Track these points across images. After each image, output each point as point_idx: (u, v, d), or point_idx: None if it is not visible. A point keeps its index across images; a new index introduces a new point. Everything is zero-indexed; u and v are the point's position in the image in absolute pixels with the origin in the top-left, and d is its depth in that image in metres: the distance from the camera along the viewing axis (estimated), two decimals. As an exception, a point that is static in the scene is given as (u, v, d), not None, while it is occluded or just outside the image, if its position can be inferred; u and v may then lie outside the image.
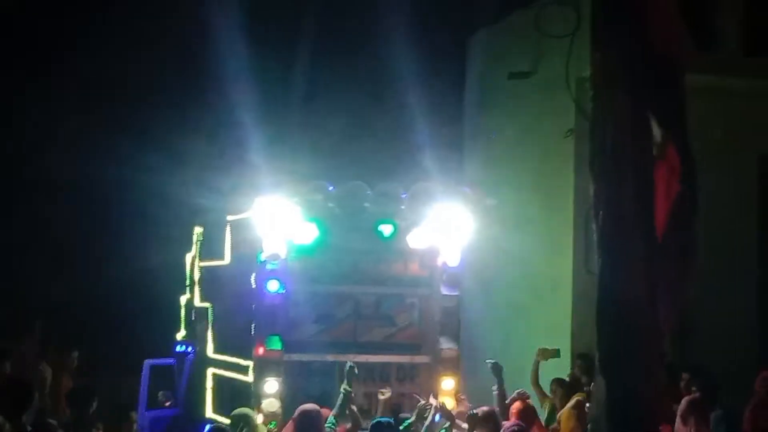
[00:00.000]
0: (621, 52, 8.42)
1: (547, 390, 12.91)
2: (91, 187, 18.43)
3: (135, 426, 13.14)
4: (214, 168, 15.19)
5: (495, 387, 11.44)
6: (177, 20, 18.25)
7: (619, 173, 8.41)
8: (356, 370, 11.26)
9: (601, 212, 8.51)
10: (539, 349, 12.85)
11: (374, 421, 9.97)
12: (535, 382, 12.80)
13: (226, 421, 10.76)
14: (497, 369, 11.51)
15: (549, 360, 12.88)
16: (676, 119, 8.53)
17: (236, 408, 10.74)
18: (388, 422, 9.94)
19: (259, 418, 11.38)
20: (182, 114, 18.28)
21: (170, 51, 18.38)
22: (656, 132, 8.33)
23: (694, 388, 11.64)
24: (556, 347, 12.93)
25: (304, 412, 10.00)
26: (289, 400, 11.68)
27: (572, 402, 11.93)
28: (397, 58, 17.29)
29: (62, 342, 15.54)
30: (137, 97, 18.32)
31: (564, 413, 11.93)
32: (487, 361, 11.62)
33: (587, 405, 11.52)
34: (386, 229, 12.38)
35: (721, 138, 14.88)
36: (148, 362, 14.68)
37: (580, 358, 13.42)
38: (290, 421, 10.24)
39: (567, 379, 13.18)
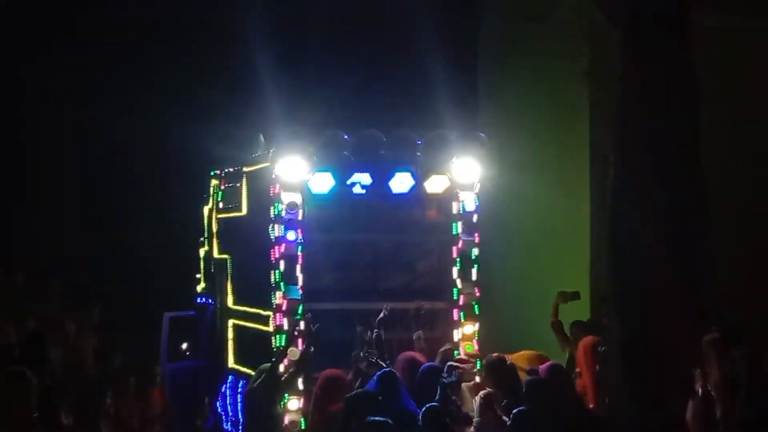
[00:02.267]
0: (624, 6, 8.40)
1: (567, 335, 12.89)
2: (109, 139, 18.40)
3: (158, 378, 13.36)
4: (230, 119, 15.13)
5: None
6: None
7: (633, 122, 8.42)
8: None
9: (614, 156, 8.55)
10: (559, 293, 12.84)
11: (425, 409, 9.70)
12: (556, 326, 12.78)
13: (248, 371, 10.88)
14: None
15: (569, 303, 12.85)
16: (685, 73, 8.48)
17: (257, 358, 10.98)
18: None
19: (282, 367, 11.44)
20: (199, 66, 18.22)
21: (191, 4, 18.31)
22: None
23: (713, 329, 11.59)
24: (576, 290, 12.89)
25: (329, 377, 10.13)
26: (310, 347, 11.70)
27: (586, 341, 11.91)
28: (411, 7, 17.22)
29: (83, 298, 15.59)
30: (158, 50, 18.24)
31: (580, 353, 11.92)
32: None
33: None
34: (404, 180, 12.37)
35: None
36: (167, 315, 14.71)
37: (602, 301, 13.41)
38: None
39: (587, 321, 13.18)
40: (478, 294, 12.63)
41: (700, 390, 9.84)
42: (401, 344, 12.07)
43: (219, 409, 13.53)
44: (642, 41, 8.33)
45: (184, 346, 14.75)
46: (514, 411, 9.30)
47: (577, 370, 12.08)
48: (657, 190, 8.79)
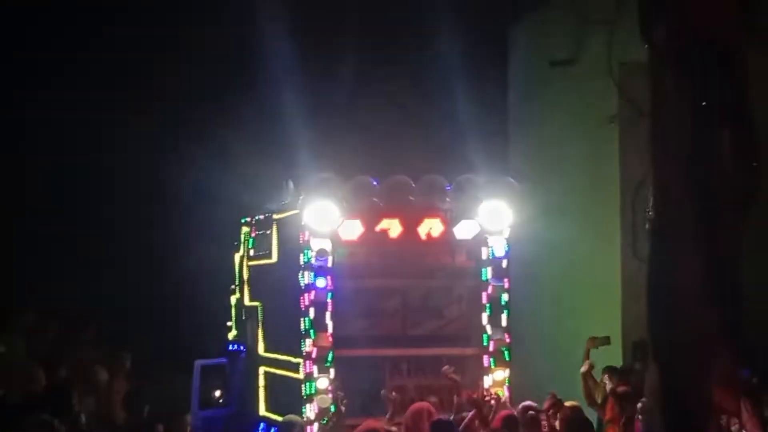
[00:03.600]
0: (666, 37, 8.31)
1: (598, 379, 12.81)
2: (139, 184, 18.52)
3: (189, 428, 13.34)
4: (260, 166, 15.19)
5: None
6: (224, 16, 18.31)
7: (674, 160, 8.31)
8: None
9: (653, 197, 8.43)
10: (590, 338, 12.77)
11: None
12: (587, 372, 12.71)
13: (279, 418, 10.88)
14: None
15: (600, 348, 12.78)
16: (736, 106, 8.36)
17: (288, 406, 11.01)
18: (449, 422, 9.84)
19: (312, 414, 11.56)
20: (229, 112, 18.28)
21: (218, 48, 18.41)
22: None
23: (751, 377, 11.49)
24: (607, 335, 12.83)
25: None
26: (340, 395, 11.74)
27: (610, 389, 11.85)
28: (440, 50, 17.25)
29: (115, 344, 15.64)
30: (186, 95, 18.33)
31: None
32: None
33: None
34: (433, 227, 12.38)
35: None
36: (198, 363, 14.71)
37: (636, 346, 13.33)
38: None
39: (620, 368, 13.11)
40: (508, 340, 12.57)
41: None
42: (431, 391, 12.05)
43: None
44: (689, 73, 8.19)
45: (217, 393, 14.70)
46: None
47: (607, 418, 12.02)
48: (700, 235, 8.62)
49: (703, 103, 8.21)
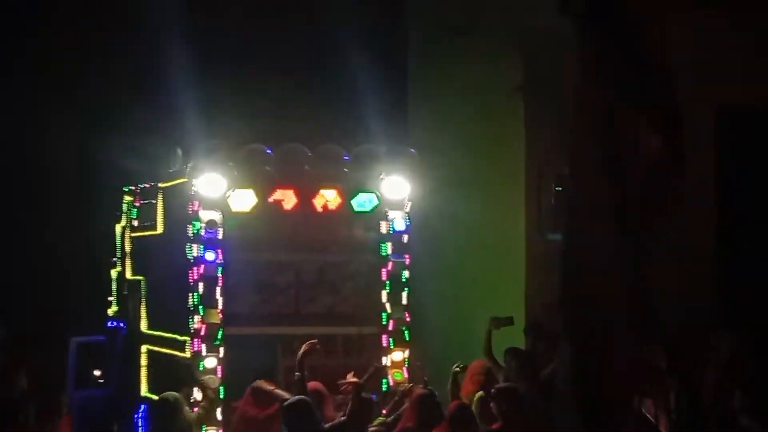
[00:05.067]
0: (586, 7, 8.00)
1: (500, 361, 12.34)
2: (15, 150, 17.65)
3: (65, 408, 12.77)
4: (146, 132, 14.56)
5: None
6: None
7: (594, 139, 8.02)
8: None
9: (570, 176, 8.20)
10: (491, 319, 12.31)
11: None
12: (488, 353, 12.23)
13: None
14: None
15: (502, 329, 12.32)
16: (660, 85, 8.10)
17: (173, 386, 10.59)
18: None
19: (199, 395, 11.19)
20: (113, 76, 17.58)
21: (102, 11, 17.68)
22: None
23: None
24: (510, 315, 12.40)
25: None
26: (230, 375, 11.47)
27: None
28: (337, 18, 16.80)
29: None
30: (63, 56, 17.56)
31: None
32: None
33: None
34: (330, 198, 12.14)
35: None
36: (74, 340, 14.19)
37: (533, 330, 12.91)
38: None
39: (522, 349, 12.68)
40: (408, 319, 12.30)
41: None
42: (327, 371, 11.48)
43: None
44: (610, 46, 7.90)
45: (97, 373, 14.17)
46: None
47: None
48: (613, 204, 8.44)
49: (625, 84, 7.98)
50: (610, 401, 8.81)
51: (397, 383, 11.89)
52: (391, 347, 12.14)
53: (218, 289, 11.67)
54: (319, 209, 12.12)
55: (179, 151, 12.35)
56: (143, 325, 13.31)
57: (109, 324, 14.50)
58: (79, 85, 17.54)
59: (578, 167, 7.98)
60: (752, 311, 12.75)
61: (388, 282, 12.27)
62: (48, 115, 17.34)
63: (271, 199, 11.96)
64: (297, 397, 9.74)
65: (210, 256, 11.63)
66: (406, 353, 12.16)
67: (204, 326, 11.54)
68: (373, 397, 10.57)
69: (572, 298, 8.60)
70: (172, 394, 10.34)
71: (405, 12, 18.02)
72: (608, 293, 8.53)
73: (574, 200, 8.02)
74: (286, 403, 9.55)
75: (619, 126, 7.84)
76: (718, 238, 14.24)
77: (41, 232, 17.53)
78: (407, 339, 12.20)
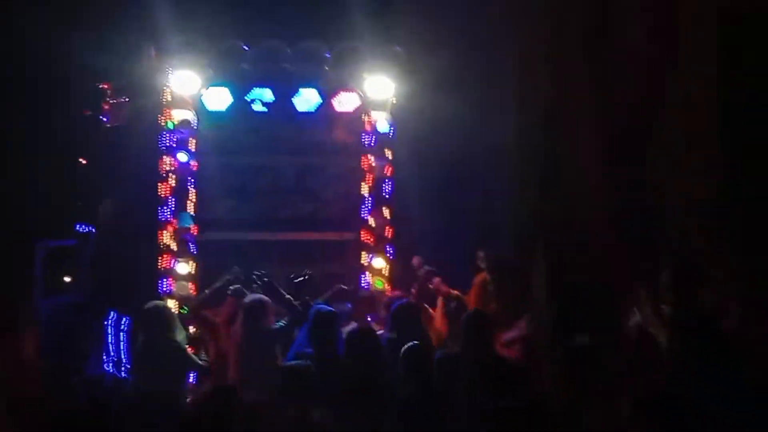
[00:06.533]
0: None
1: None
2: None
3: (30, 316, 12.42)
4: (116, 27, 14.07)
5: None
6: None
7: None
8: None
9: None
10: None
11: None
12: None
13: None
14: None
15: None
16: None
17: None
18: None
19: (171, 303, 11.07)
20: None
21: None
22: None
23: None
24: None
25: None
26: (203, 282, 11.13)
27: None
28: None
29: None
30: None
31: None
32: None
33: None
34: (310, 98, 11.91)
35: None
36: (41, 244, 13.72)
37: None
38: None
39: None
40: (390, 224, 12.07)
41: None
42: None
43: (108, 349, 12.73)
44: None
45: (67, 279, 13.73)
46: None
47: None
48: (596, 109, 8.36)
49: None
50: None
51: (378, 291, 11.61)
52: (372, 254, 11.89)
53: (191, 193, 11.58)
54: (298, 109, 11.90)
55: (152, 48, 12.04)
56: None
57: (78, 228, 14.04)
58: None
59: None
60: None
61: (369, 186, 12.06)
62: (14, 7, 16.90)
63: (247, 98, 11.78)
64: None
65: (182, 157, 11.51)
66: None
67: (176, 231, 11.44)
68: (348, 306, 10.25)
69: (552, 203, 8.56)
70: (160, 302, 10.07)
71: None
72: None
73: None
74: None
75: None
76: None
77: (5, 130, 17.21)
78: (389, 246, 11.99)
